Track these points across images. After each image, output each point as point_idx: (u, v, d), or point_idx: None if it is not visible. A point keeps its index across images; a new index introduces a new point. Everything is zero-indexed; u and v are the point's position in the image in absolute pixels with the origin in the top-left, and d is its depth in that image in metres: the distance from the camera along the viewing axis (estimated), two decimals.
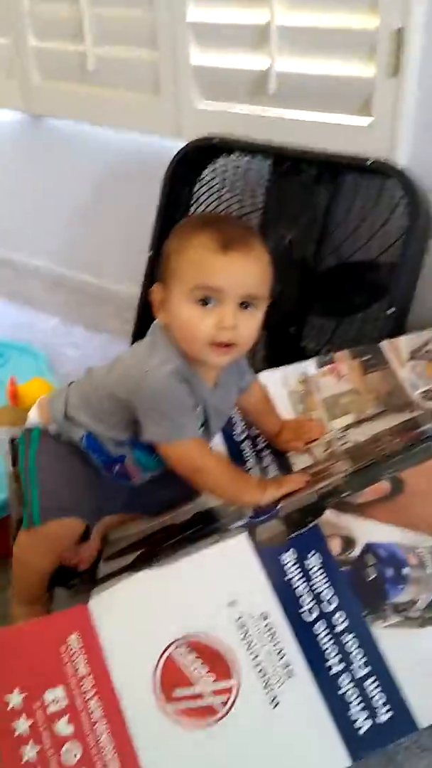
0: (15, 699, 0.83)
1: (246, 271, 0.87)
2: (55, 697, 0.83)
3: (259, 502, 0.93)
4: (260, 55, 1.34)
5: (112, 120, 1.66)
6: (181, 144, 1.48)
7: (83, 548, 1.08)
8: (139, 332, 1.58)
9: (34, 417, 1.03)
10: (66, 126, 1.83)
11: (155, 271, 1.52)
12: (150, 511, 1.11)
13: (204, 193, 1.49)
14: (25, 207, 2.10)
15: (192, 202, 1.51)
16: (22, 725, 0.82)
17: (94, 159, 1.84)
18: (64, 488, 0.98)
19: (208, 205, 1.48)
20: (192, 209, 1.51)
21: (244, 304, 0.88)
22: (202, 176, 1.50)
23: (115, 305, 2.01)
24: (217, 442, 1.11)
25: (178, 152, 1.46)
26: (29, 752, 0.81)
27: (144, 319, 1.58)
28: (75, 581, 1.07)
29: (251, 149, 1.40)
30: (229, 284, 0.86)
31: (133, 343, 1.59)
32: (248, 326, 0.89)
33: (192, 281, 0.86)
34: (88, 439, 0.98)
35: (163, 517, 1.09)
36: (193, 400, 0.91)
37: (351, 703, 0.82)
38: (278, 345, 1.43)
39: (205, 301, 0.86)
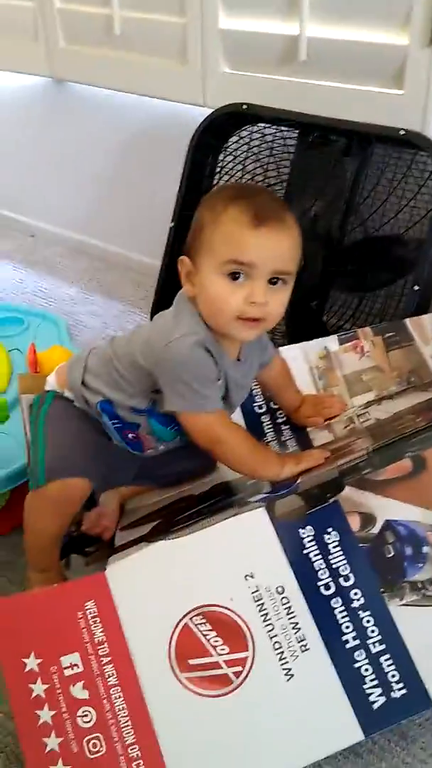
0: (31, 663, 0.84)
1: (278, 246, 0.85)
2: (71, 662, 0.83)
3: (277, 476, 0.92)
4: (291, 21, 1.32)
5: (136, 86, 1.63)
6: (206, 112, 1.46)
7: (105, 517, 1.09)
8: (160, 302, 1.58)
9: (51, 382, 1.03)
10: (90, 91, 1.81)
11: (177, 241, 1.51)
12: (161, 483, 1.11)
13: (229, 162, 1.47)
14: (46, 173, 2.09)
15: (216, 171, 1.49)
16: (38, 688, 0.83)
17: (118, 125, 1.82)
18: (71, 448, 0.97)
19: (233, 175, 1.46)
20: (216, 179, 1.49)
21: (274, 280, 0.86)
22: (227, 145, 1.48)
23: (135, 274, 2.01)
24: (236, 416, 1.11)
25: (204, 120, 1.44)
26: (45, 715, 0.82)
27: (165, 290, 1.57)
28: (91, 549, 1.08)
29: (278, 118, 1.37)
30: (261, 259, 0.84)
31: (153, 313, 1.60)
32: (277, 302, 0.88)
33: (223, 255, 0.84)
34: (103, 405, 0.97)
35: (174, 490, 1.09)
36: (216, 371, 0.90)
37: (365, 678, 0.83)
38: (299, 319, 1.42)
39: (235, 276, 0.85)
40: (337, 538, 0.86)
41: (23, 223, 2.26)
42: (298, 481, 0.88)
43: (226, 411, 0.95)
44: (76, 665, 0.83)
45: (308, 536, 0.86)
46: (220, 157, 1.49)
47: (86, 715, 0.82)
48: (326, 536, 0.86)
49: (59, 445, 0.97)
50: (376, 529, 0.86)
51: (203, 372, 0.89)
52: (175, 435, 0.98)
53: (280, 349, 1.12)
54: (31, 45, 1.76)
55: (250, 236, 0.83)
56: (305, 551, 0.85)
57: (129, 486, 1.13)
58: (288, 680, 0.83)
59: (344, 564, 0.85)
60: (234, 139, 1.46)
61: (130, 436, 0.99)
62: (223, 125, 1.44)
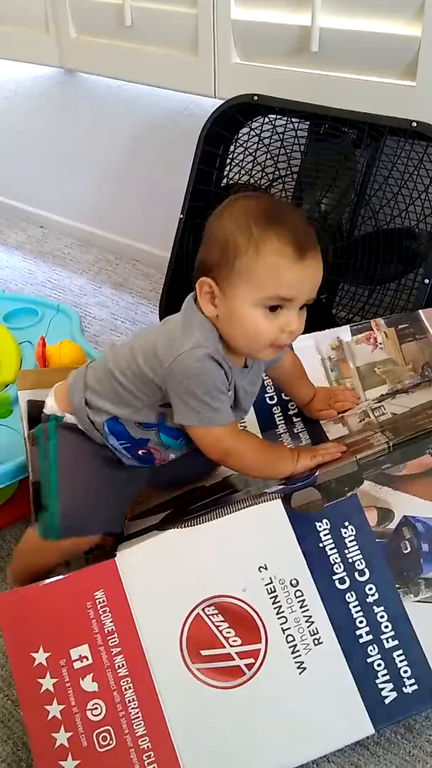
0: (40, 656, 0.83)
1: (317, 276, 0.85)
2: (80, 654, 0.83)
3: (291, 472, 0.91)
4: (303, 12, 1.30)
5: (147, 77, 1.62)
6: (217, 103, 1.45)
7: None
8: (169, 294, 1.57)
9: (51, 406, 0.99)
10: (101, 82, 1.80)
11: (187, 233, 1.51)
12: (173, 484, 1.09)
13: (239, 153, 1.46)
14: (56, 164, 2.09)
15: (227, 162, 1.48)
16: (47, 683, 0.82)
17: (128, 116, 1.81)
18: (86, 506, 0.94)
19: (243, 167, 1.45)
20: (226, 170, 1.48)
21: (303, 306, 0.86)
22: (237, 136, 1.47)
23: (144, 266, 2.01)
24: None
25: (215, 111, 1.43)
26: (54, 710, 0.81)
27: (174, 282, 1.56)
28: (92, 552, 1.06)
29: (290, 109, 1.36)
30: (303, 293, 0.83)
31: (162, 305, 1.59)
32: (302, 323, 0.87)
33: (267, 291, 0.82)
34: (110, 424, 0.94)
35: (181, 491, 1.08)
36: (226, 383, 0.88)
37: (377, 673, 0.83)
38: (309, 312, 1.40)
39: (274, 308, 0.84)
40: (354, 533, 0.85)
41: (33, 215, 2.25)
42: (316, 474, 0.87)
43: (236, 421, 0.93)
44: (85, 657, 0.82)
45: (324, 529, 0.85)
46: (231, 149, 1.48)
47: (96, 708, 0.82)
48: (343, 530, 0.85)
49: (74, 500, 0.93)
50: (393, 525, 0.86)
51: (214, 384, 0.86)
52: (184, 445, 0.96)
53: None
54: (43, 35, 1.75)
55: (296, 271, 0.82)
56: (321, 544, 0.85)
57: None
58: (300, 673, 0.82)
59: (360, 558, 0.85)
60: (245, 130, 1.45)
61: (140, 452, 0.96)
62: (233, 116, 1.43)
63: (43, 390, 1.08)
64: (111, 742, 0.81)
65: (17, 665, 0.83)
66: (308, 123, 1.37)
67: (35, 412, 1.07)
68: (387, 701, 0.82)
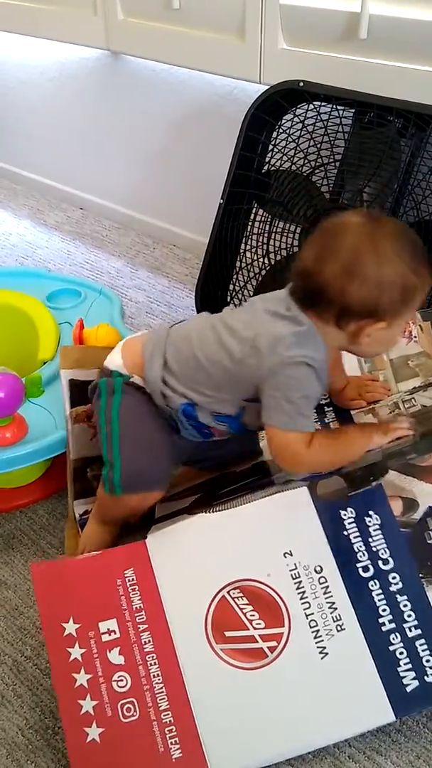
0: (70, 627, 0.85)
1: None
2: (108, 628, 0.85)
3: (365, 451, 0.91)
4: None
5: (193, 61, 1.62)
6: (262, 88, 1.44)
7: None
8: (205, 280, 1.58)
9: (117, 362, 0.99)
10: (146, 65, 1.80)
11: (226, 218, 1.51)
12: (209, 467, 1.10)
13: (282, 140, 1.46)
14: (98, 146, 2.10)
15: (269, 149, 1.48)
16: (76, 652, 0.85)
17: (172, 100, 1.81)
18: (149, 462, 0.97)
19: (285, 153, 1.44)
20: (268, 156, 1.48)
21: None
22: (281, 123, 1.46)
23: (181, 251, 2.01)
24: None
25: (259, 96, 1.42)
26: (81, 678, 0.84)
27: (211, 267, 1.57)
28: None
29: (335, 96, 1.35)
30: None
31: (198, 290, 1.60)
32: None
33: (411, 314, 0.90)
34: (186, 408, 0.95)
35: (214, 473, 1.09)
36: (320, 396, 0.91)
37: (399, 661, 0.84)
38: None
39: None
40: (378, 522, 0.86)
41: (73, 196, 2.27)
42: None
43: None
44: (113, 631, 0.85)
45: (349, 518, 0.86)
46: (274, 135, 1.47)
47: (121, 680, 0.84)
48: (367, 519, 0.86)
49: (136, 456, 0.96)
50: (418, 515, 0.86)
51: (314, 395, 0.88)
52: (243, 428, 0.97)
53: None
54: (90, 17, 1.75)
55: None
56: (345, 532, 0.86)
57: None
58: (322, 658, 0.84)
59: (384, 547, 0.85)
60: (288, 116, 1.44)
61: (205, 430, 0.98)
62: (278, 102, 1.42)
63: (85, 370, 1.11)
64: (135, 713, 0.83)
65: (49, 632, 0.86)
66: (353, 111, 1.35)
67: (76, 391, 1.09)
68: (409, 689, 0.83)
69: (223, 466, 1.09)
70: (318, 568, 0.85)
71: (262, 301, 0.93)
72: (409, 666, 0.83)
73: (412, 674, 0.83)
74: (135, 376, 0.97)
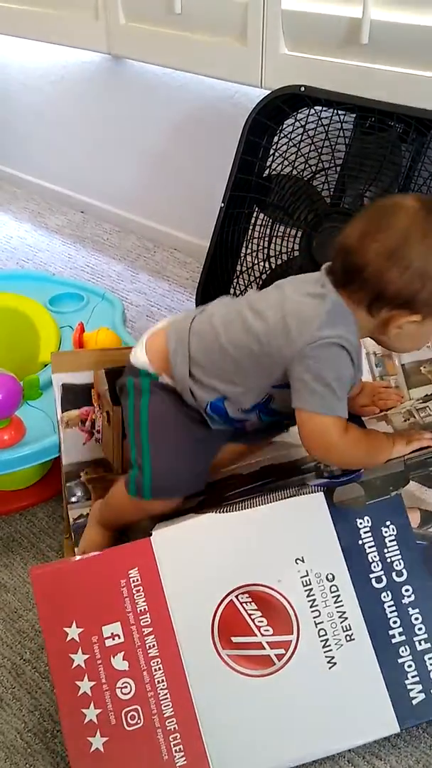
0: (73, 631, 0.83)
1: None
2: (112, 632, 0.83)
3: (387, 458, 0.89)
4: (354, 3, 1.29)
5: (195, 65, 1.62)
6: (263, 93, 1.44)
7: None
8: (206, 283, 1.57)
9: (142, 360, 0.94)
10: (148, 69, 1.80)
11: (227, 221, 1.51)
12: (254, 441, 1.07)
13: (283, 144, 1.46)
14: (99, 150, 2.10)
15: (270, 153, 1.48)
16: (79, 658, 0.83)
17: (174, 104, 1.81)
18: (178, 468, 0.94)
19: (286, 158, 1.44)
20: (269, 160, 1.48)
21: None
22: (282, 127, 1.46)
23: (182, 254, 2.01)
24: None
25: (261, 100, 1.42)
26: (84, 686, 0.82)
27: (212, 270, 1.57)
28: None
29: (336, 101, 1.35)
30: None
31: (199, 293, 1.59)
32: None
33: None
34: (215, 405, 0.91)
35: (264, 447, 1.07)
36: (353, 379, 0.86)
37: (407, 674, 0.83)
38: None
39: None
40: (395, 532, 0.85)
41: (74, 199, 2.27)
42: (361, 470, 0.87)
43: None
44: (117, 635, 0.83)
45: (365, 527, 0.85)
46: (275, 139, 1.48)
47: (126, 687, 0.82)
48: (384, 529, 0.85)
49: (167, 461, 0.93)
50: None
51: (347, 376, 0.84)
52: (279, 417, 0.94)
53: None
54: (92, 21, 1.75)
55: None
56: (360, 541, 0.85)
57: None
58: (330, 668, 0.82)
59: (399, 559, 0.84)
60: (289, 121, 1.44)
61: (236, 424, 0.95)
62: (279, 107, 1.43)
63: (78, 373, 1.10)
64: (139, 720, 0.81)
65: (50, 639, 0.83)
66: (354, 115, 1.36)
67: (69, 395, 1.08)
68: (415, 702, 0.82)
69: (282, 428, 1.04)
70: (330, 576, 0.84)
71: (291, 282, 0.89)
72: (417, 679, 0.83)
73: (419, 687, 0.83)
74: (163, 375, 0.93)
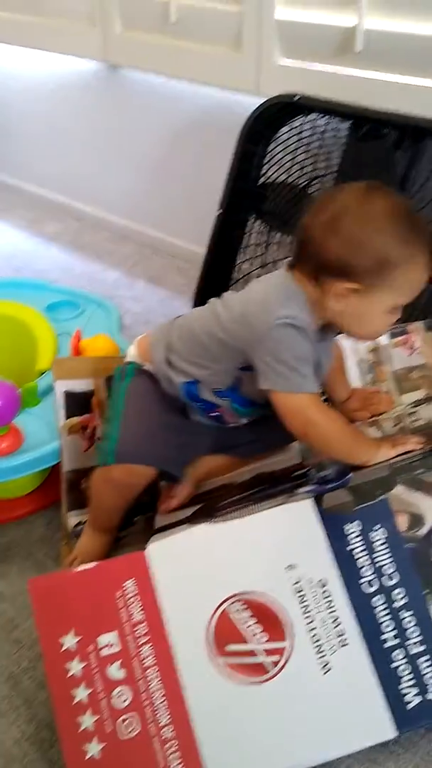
0: (69, 641, 0.84)
1: None
2: (108, 641, 0.84)
3: (372, 460, 0.90)
4: (348, 12, 1.30)
5: (190, 73, 1.63)
6: (258, 101, 1.45)
7: (177, 491, 1.06)
8: (204, 289, 1.58)
9: (132, 353, 1.04)
10: (144, 77, 1.81)
11: (223, 228, 1.51)
12: (237, 453, 1.08)
13: (279, 152, 1.47)
14: (95, 158, 2.11)
15: (265, 160, 1.49)
16: (75, 667, 0.83)
17: (170, 112, 1.82)
18: (144, 435, 0.97)
19: (282, 165, 1.45)
20: (265, 168, 1.49)
21: None
22: (277, 135, 1.47)
23: (179, 261, 2.02)
24: None
25: (257, 109, 1.43)
26: (81, 694, 0.83)
27: (209, 277, 1.57)
28: (123, 533, 1.08)
29: (331, 109, 1.36)
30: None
31: (196, 300, 1.60)
32: None
33: (404, 299, 0.87)
34: (187, 387, 0.97)
35: (252, 462, 1.08)
36: (312, 355, 0.89)
37: (402, 678, 0.83)
38: None
39: (395, 311, 0.89)
40: (384, 536, 0.85)
41: (71, 207, 2.28)
42: (349, 475, 0.88)
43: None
44: (113, 645, 0.84)
45: (354, 532, 0.85)
46: (270, 147, 1.48)
47: (122, 695, 0.83)
48: (373, 533, 0.85)
49: (134, 428, 0.97)
50: (424, 531, 0.85)
51: (303, 353, 0.87)
52: (256, 411, 0.98)
53: None
54: (89, 30, 1.76)
55: (425, 282, 0.86)
56: (350, 547, 0.85)
57: (204, 457, 1.08)
58: (324, 673, 0.83)
59: (389, 563, 0.85)
60: (285, 129, 1.45)
61: (212, 414, 0.99)
62: (274, 115, 1.43)
63: (80, 380, 1.10)
64: (135, 728, 0.82)
65: (47, 648, 0.84)
66: (349, 123, 1.36)
67: (71, 402, 1.09)
68: (410, 706, 0.82)
69: (268, 447, 1.07)
70: (322, 582, 0.84)
71: (261, 277, 0.96)
72: (412, 682, 0.83)
73: (415, 690, 0.83)
74: (147, 364, 1.01)
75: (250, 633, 0.83)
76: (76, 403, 1.11)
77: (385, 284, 0.84)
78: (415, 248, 0.84)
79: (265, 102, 1.43)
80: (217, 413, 0.99)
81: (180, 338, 0.97)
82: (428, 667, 0.83)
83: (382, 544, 0.85)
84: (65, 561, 1.05)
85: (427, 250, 0.84)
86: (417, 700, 0.83)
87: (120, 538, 1.06)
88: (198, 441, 1.03)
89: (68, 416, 1.10)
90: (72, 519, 1.07)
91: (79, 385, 1.12)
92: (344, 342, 1.11)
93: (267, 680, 0.83)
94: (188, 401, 0.99)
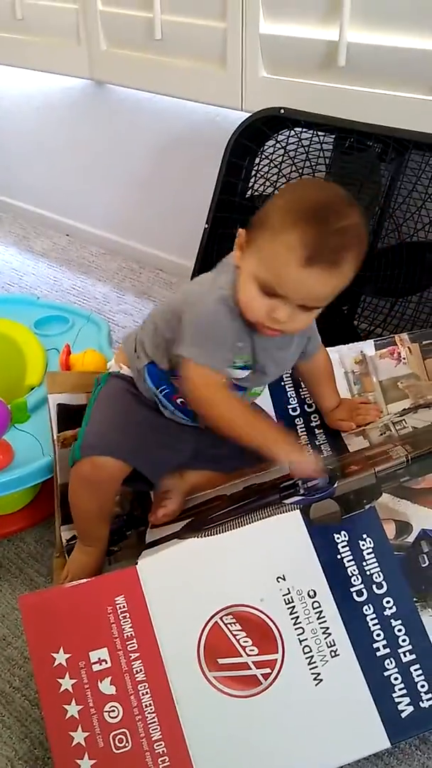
0: (61, 657, 0.84)
1: (321, 289, 0.83)
2: (99, 657, 0.84)
3: (277, 451, 0.88)
4: (331, 27, 1.32)
5: (176, 89, 1.64)
6: (243, 116, 1.46)
7: (165, 503, 1.05)
8: None
9: (111, 364, 1.07)
10: (129, 93, 1.82)
11: (211, 242, 1.52)
12: (223, 468, 1.08)
13: (264, 165, 1.48)
14: (83, 174, 2.12)
15: (252, 174, 1.50)
16: (67, 683, 0.83)
17: (156, 128, 1.84)
18: (110, 426, 0.98)
19: (268, 178, 1.46)
20: (251, 181, 1.50)
21: (305, 307, 0.86)
22: (263, 148, 1.48)
23: (168, 275, 2.02)
24: (271, 414, 1.12)
25: (242, 123, 1.44)
26: (72, 709, 0.82)
27: None
28: (115, 548, 1.08)
29: (315, 123, 1.37)
30: (297, 295, 0.83)
31: None
32: (302, 320, 0.87)
33: (264, 275, 0.83)
34: (149, 367, 0.99)
35: (239, 478, 1.08)
36: (236, 335, 0.89)
37: (394, 687, 0.83)
38: (330, 323, 1.41)
39: (266, 292, 0.85)
40: (372, 545, 0.85)
41: (59, 223, 2.28)
42: (335, 486, 0.88)
43: (253, 381, 0.96)
44: (104, 660, 0.83)
45: (342, 541, 0.86)
46: (256, 161, 1.50)
47: (113, 711, 0.82)
48: (361, 542, 0.86)
49: (100, 422, 0.98)
50: (411, 538, 0.86)
51: (223, 331, 0.88)
52: None
53: None
54: (74, 48, 1.78)
55: (294, 273, 0.81)
56: (339, 556, 0.85)
57: (190, 471, 1.08)
58: (316, 684, 0.82)
59: (378, 571, 0.85)
60: (270, 142, 1.47)
61: (179, 401, 0.99)
62: (260, 129, 1.45)
63: (74, 394, 1.11)
64: (127, 744, 0.81)
65: (38, 664, 0.84)
66: (334, 136, 1.38)
67: (64, 415, 1.09)
68: (403, 715, 0.82)
69: (246, 464, 1.06)
70: (311, 593, 0.84)
71: None
72: (404, 691, 0.83)
73: (407, 700, 0.82)
74: (123, 367, 1.03)
75: (241, 646, 0.83)
76: (70, 417, 1.10)
77: (257, 244, 0.84)
78: (290, 224, 0.80)
79: (250, 116, 1.44)
80: (182, 401, 0.98)
81: (144, 328, 1.01)
82: (420, 675, 0.83)
83: (370, 553, 0.85)
84: (59, 576, 1.05)
85: (305, 239, 0.79)
86: (410, 709, 0.82)
87: (113, 552, 1.06)
88: (175, 443, 1.02)
89: (61, 429, 1.09)
90: (66, 533, 1.06)
91: (72, 399, 1.12)
92: (332, 354, 1.11)
93: (259, 693, 0.82)
94: (154, 390, 0.99)
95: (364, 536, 0.86)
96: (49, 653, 0.84)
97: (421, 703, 0.82)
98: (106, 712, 0.82)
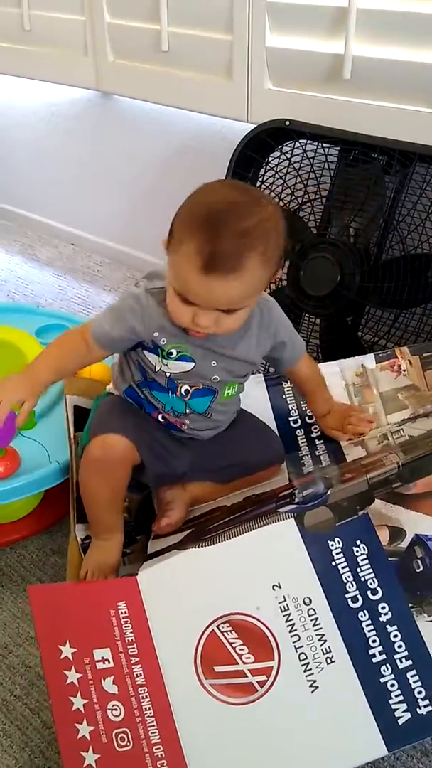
0: (67, 650, 0.85)
1: (224, 294, 0.84)
2: (103, 656, 0.85)
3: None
4: (336, 40, 1.33)
5: (182, 101, 1.66)
6: (249, 127, 1.47)
7: (169, 513, 1.06)
8: None
9: (110, 387, 1.10)
10: (136, 105, 1.84)
11: None
12: (221, 479, 1.09)
13: (269, 177, 1.49)
14: (89, 184, 2.13)
15: (257, 185, 1.51)
16: (73, 676, 0.84)
17: (162, 139, 1.85)
18: (113, 414, 1.02)
19: (273, 190, 1.47)
20: None
21: (225, 310, 0.87)
22: (268, 160, 1.49)
23: None
24: (272, 425, 1.13)
25: (247, 134, 1.46)
26: (78, 702, 0.83)
27: None
28: (128, 550, 1.07)
29: (321, 135, 1.38)
30: (205, 301, 0.85)
31: None
32: (229, 322, 0.89)
33: (176, 284, 0.86)
34: (128, 392, 1.04)
35: (239, 489, 1.09)
36: (132, 326, 0.94)
37: (391, 693, 0.83)
38: (334, 335, 1.42)
39: (184, 301, 0.86)
40: (366, 551, 0.86)
41: (65, 232, 2.30)
42: (327, 493, 0.88)
43: (198, 375, 0.97)
44: (107, 660, 0.84)
45: (337, 548, 0.86)
46: (261, 172, 1.51)
47: (116, 709, 0.83)
48: (355, 549, 0.86)
49: (107, 411, 1.03)
50: (405, 544, 0.86)
51: (123, 316, 0.95)
52: (182, 405, 0.99)
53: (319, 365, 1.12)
54: (81, 59, 1.79)
55: (196, 281, 0.83)
56: (333, 563, 0.86)
57: (190, 481, 1.09)
58: (312, 692, 0.83)
59: (372, 577, 0.85)
60: (275, 154, 1.48)
61: (160, 418, 1.02)
62: (265, 140, 1.46)
63: (89, 399, 1.14)
64: (128, 743, 0.82)
65: (46, 654, 0.85)
66: (338, 148, 1.39)
67: (80, 416, 1.12)
68: (401, 722, 0.82)
69: (248, 472, 1.08)
70: (307, 600, 0.85)
71: None
72: (401, 698, 0.82)
73: (404, 706, 0.82)
74: (111, 386, 1.09)
75: (237, 654, 0.84)
76: (85, 418, 1.12)
77: (169, 254, 0.86)
78: (188, 233, 0.82)
79: (255, 128, 1.45)
80: (163, 417, 1.01)
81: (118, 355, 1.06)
82: (417, 682, 0.83)
83: (364, 560, 0.86)
84: (73, 573, 1.04)
85: (200, 247, 0.81)
86: (407, 716, 0.82)
87: (126, 554, 1.07)
88: (173, 454, 1.03)
89: (77, 429, 1.11)
90: (80, 532, 1.06)
91: (88, 403, 1.15)
92: (330, 369, 1.13)
93: (255, 700, 0.83)
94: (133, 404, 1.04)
95: (358, 543, 0.86)
96: (56, 644, 0.85)
97: (418, 709, 0.82)
98: (109, 709, 0.83)
